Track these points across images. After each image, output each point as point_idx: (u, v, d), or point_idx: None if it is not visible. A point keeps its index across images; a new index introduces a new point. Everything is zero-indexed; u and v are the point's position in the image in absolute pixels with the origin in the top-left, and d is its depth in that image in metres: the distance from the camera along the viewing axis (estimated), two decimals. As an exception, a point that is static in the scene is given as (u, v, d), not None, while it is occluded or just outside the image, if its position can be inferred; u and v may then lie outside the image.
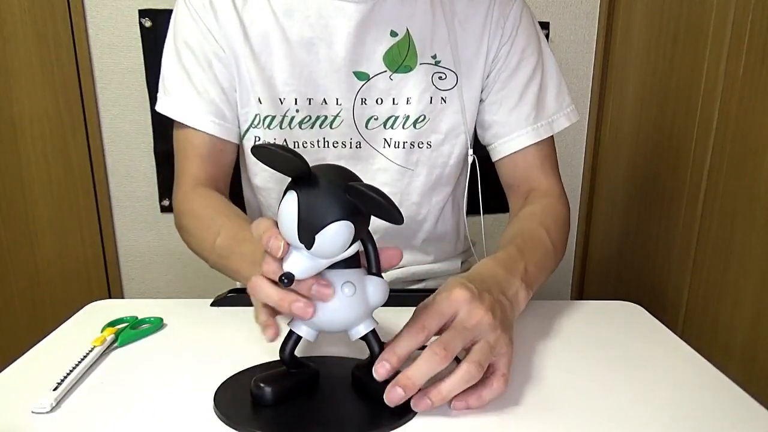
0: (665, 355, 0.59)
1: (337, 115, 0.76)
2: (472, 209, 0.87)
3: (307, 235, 0.41)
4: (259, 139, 0.77)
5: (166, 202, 1.52)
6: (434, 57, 0.76)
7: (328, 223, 0.41)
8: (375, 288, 0.46)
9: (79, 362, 0.53)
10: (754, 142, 0.89)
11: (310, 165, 0.41)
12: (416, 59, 0.75)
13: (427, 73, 0.75)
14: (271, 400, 0.47)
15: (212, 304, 0.70)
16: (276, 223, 0.45)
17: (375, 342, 0.48)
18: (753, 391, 0.51)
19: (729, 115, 0.95)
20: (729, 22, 0.95)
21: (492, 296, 0.51)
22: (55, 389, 0.49)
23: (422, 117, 0.76)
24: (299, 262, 0.42)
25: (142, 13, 1.39)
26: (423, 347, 0.47)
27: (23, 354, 0.58)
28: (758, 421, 0.47)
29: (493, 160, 0.83)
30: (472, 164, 0.81)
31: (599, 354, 0.58)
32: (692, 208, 1.06)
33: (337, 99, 0.75)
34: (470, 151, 0.80)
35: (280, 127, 0.76)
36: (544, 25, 1.47)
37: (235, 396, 0.49)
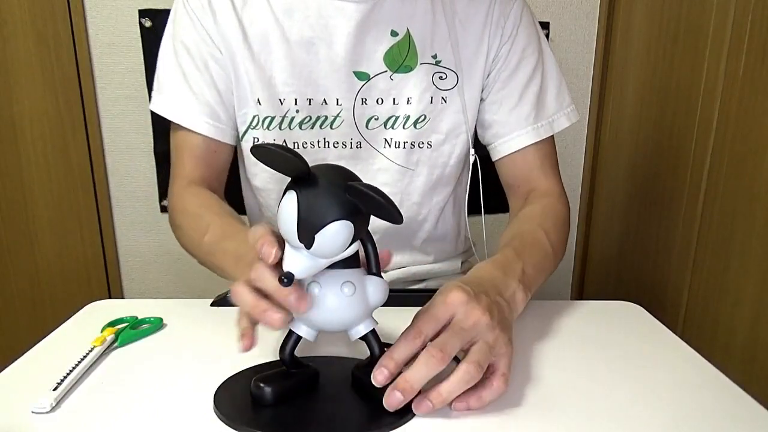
0: (665, 355, 0.59)
1: (338, 116, 0.76)
2: (473, 209, 0.87)
3: (307, 234, 0.41)
4: (258, 141, 0.77)
5: (166, 202, 1.52)
6: (435, 57, 0.76)
7: (328, 223, 0.41)
8: (375, 288, 0.46)
9: (79, 362, 0.53)
10: (754, 142, 0.89)
11: (310, 165, 0.41)
12: (416, 59, 0.75)
13: (427, 73, 0.75)
14: (271, 400, 0.47)
15: (212, 304, 0.70)
16: (272, 230, 0.46)
17: (375, 342, 0.48)
18: (753, 391, 0.51)
19: (729, 115, 0.95)
20: (729, 22, 0.95)
21: (489, 297, 0.51)
22: (55, 389, 0.49)
23: (423, 117, 0.76)
24: (299, 262, 0.42)
25: (142, 13, 1.39)
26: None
27: (23, 354, 0.58)
28: (758, 421, 0.47)
29: (493, 159, 0.83)
30: (473, 164, 0.81)
31: (599, 354, 0.58)
32: (692, 208, 1.05)
33: (337, 99, 0.75)
34: (472, 151, 0.80)
35: (280, 128, 0.76)
36: (544, 25, 1.47)
37: (235, 396, 0.49)
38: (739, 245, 0.92)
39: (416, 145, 0.78)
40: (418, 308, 0.50)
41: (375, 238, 0.47)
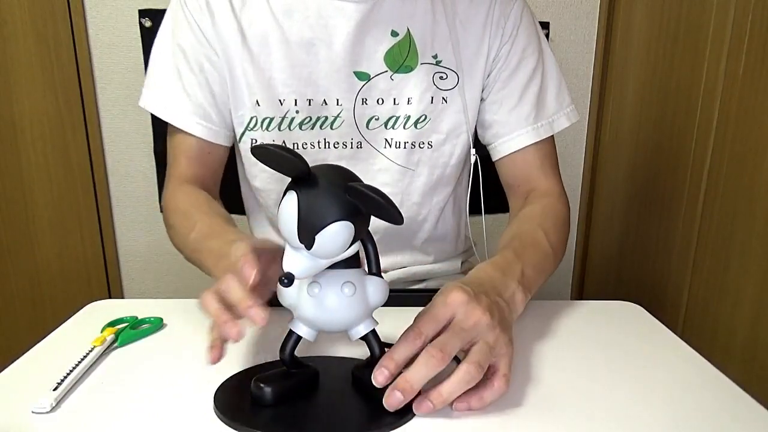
0: (665, 355, 0.59)
1: (338, 116, 0.76)
2: (473, 209, 0.87)
3: (307, 235, 0.41)
4: (256, 142, 0.77)
5: (165, 202, 1.52)
6: (435, 57, 0.76)
7: (328, 224, 0.41)
8: (375, 288, 0.46)
9: (79, 362, 0.53)
10: (754, 142, 0.89)
11: (310, 166, 0.41)
12: (417, 59, 0.75)
13: (428, 73, 0.75)
14: (271, 400, 0.47)
15: (212, 304, 0.70)
16: (254, 248, 0.47)
17: (375, 342, 0.48)
18: (753, 391, 0.51)
19: (729, 115, 0.95)
20: (729, 22, 0.95)
21: (489, 298, 0.51)
22: (55, 389, 0.49)
23: (423, 117, 0.76)
24: (299, 262, 0.42)
25: (142, 13, 1.39)
26: None
27: (23, 354, 0.58)
28: (758, 421, 0.47)
29: (493, 159, 0.83)
30: (474, 164, 0.81)
31: (599, 354, 0.58)
32: (692, 208, 1.06)
33: (337, 99, 0.75)
34: (473, 151, 0.80)
35: (279, 129, 0.76)
36: (544, 25, 1.47)
37: (235, 396, 0.49)
38: (739, 245, 0.92)
39: (417, 145, 0.77)
40: (418, 308, 0.50)
41: (375, 238, 0.47)
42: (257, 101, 0.75)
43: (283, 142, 0.76)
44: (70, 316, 0.67)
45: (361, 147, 0.77)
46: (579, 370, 0.55)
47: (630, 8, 1.35)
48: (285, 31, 0.73)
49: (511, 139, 0.79)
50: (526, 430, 0.45)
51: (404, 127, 0.77)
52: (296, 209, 0.41)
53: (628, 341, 0.61)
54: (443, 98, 0.76)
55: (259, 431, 0.44)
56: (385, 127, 0.77)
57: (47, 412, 0.47)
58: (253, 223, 0.89)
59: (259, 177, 0.81)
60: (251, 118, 0.76)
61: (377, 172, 0.78)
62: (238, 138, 0.78)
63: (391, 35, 0.74)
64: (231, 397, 0.49)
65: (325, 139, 0.77)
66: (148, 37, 1.39)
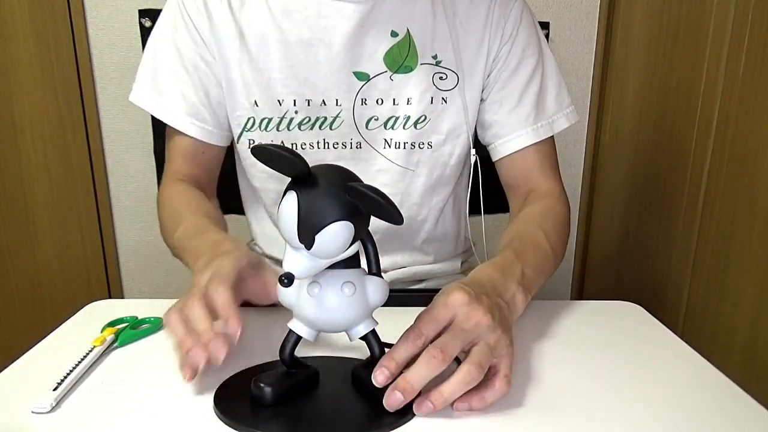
0: (665, 355, 0.59)
1: (337, 116, 0.76)
2: (473, 209, 0.87)
3: (307, 235, 0.41)
4: (254, 143, 0.77)
5: (165, 202, 1.52)
6: (435, 57, 0.76)
7: (328, 224, 0.41)
8: (375, 288, 0.46)
9: (79, 362, 0.53)
10: (754, 142, 0.89)
11: (310, 166, 0.41)
12: (417, 59, 0.75)
13: (427, 74, 0.75)
14: (271, 400, 0.47)
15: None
16: (232, 298, 0.49)
17: (375, 342, 0.48)
18: (753, 391, 0.51)
19: (729, 115, 0.95)
20: (729, 22, 0.95)
21: (490, 299, 0.51)
22: (55, 389, 0.49)
23: (423, 117, 0.76)
24: (299, 263, 0.42)
25: (142, 13, 1.39)
26: None
27: (23, 354, 0.58)
28: (758, 421, 0.47)
29: (493, 160, 0.83)
30: (474, 164, 0.81)
31: (599, 354, 0.58)
32: (692, 208, 1.06)
33: (336, 100, 0.75)
34: (473, 151, 0.80)
35: (278, 129, 0.76)
36: (544, 25, 1.47)
37: (235, 396, 0.49)
38: (739, 245, 0.92)
39: (416, 145, 0.77)
40: (418, 308, 0.50)
41: (375, 238, 0.47)
42: (255, 102, 0.75)
43: (282, 142, 0.76)
44: (70, 316, 0.67)
45: (360, 147, 0.77)
46: (579, 370, 0.55)
47: (630, 8, 1.35)
48: (284, 32, 0.73)
49: (511, 140, 0.79)
50: (527, 430, 0.45)
51: (404, 128, 0.77)
52: (296, 209, 0.41)
53: (628, 341, 0.61)
54: (443, 99, 0.76)
55: (259, 431, 0.44)
56: (385, 127, 0.77)
57: (47, 412, 0.47)
58: (251, 218, 0.89)
59: (258, 177, 0.81)
60: (249, 119, 0.76)
61: (377, 172, 0.78)
62: (236, 138, 0.78)
63: (391, 35, 0.74)
64: (231, 397, 0.49)
65: (324, 140, 0.77)
66: (147, 38, 1.39)
